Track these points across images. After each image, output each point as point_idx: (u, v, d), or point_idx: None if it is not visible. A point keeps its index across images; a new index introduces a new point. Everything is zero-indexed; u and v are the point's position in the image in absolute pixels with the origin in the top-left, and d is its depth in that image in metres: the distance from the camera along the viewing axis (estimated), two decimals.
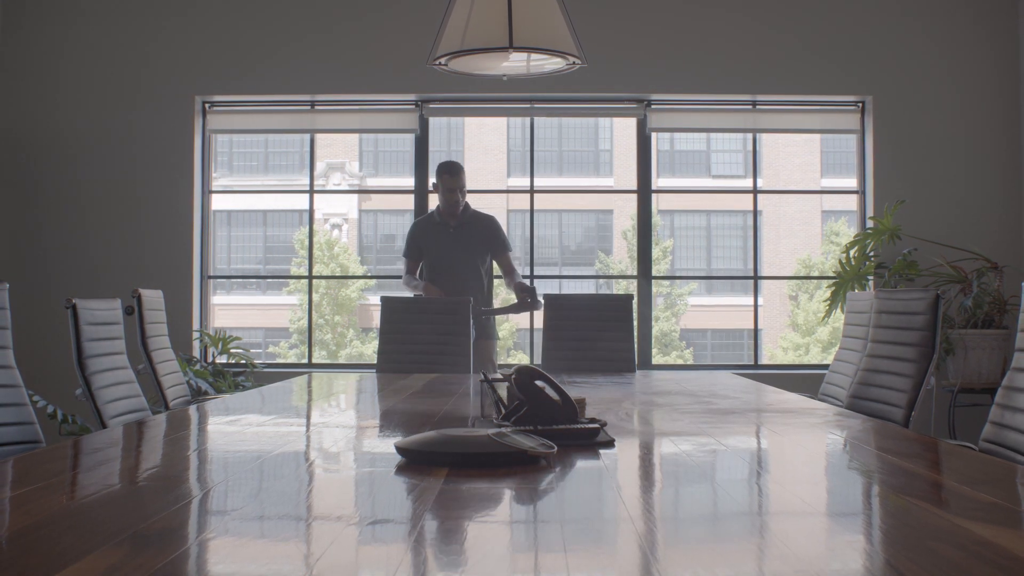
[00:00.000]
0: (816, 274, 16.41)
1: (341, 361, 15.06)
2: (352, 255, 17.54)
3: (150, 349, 3.64)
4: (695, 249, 17.95)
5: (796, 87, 5.84)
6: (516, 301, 4.80)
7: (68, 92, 5.88)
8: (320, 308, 16.80)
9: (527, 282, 5.12)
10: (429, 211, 5.19)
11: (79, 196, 5.84)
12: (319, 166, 17.00)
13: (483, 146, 17.14)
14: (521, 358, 14.50)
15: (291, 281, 16.80)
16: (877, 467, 1.96)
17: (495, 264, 5.07)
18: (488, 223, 5.04)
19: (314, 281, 7.57)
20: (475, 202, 5.13)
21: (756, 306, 6.91)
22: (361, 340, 16.88)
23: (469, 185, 5.05)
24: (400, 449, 1.88)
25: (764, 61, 5.81)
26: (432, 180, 5.06)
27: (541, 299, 4.84)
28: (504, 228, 5.17)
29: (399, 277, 5.43)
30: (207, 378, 5.21)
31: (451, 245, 4.97)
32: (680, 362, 15.88)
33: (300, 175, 17.28)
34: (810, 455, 2.25)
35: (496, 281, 5.30)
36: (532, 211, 6.49)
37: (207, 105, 5.98)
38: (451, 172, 4.93)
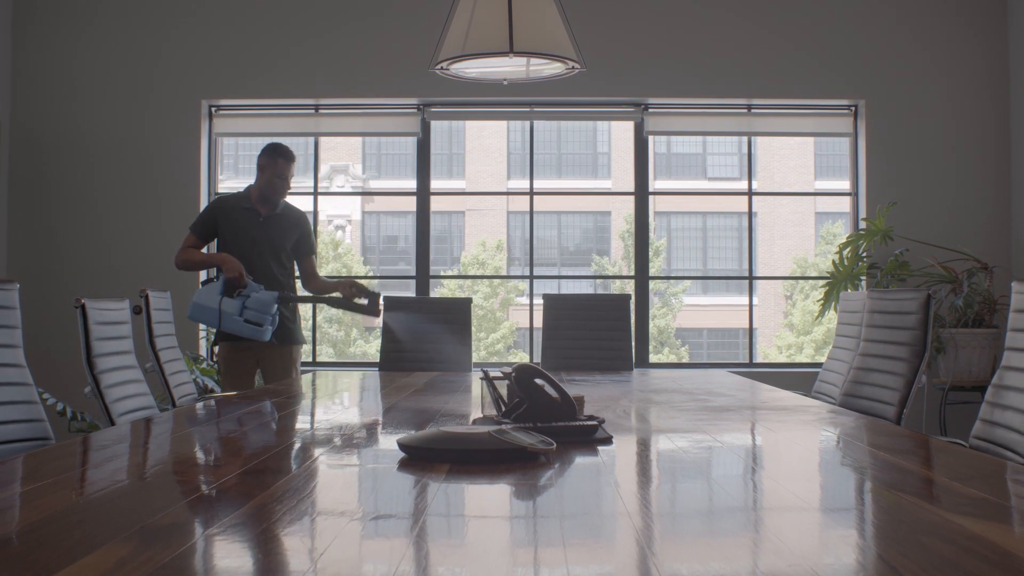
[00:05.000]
0: (811, 274, 16.43)
1: (346, 359, 15.05)
2: (356, 256, 17.54)
3: (158, 348, 3.66)
4: (691, 250, 17.96)
5: (790, 91, 5.88)
6: (366, 302, 4.10)
7: (78, 96, 5.90)
8: (324, 307, 16.75)
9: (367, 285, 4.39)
10: (240, 191, 4.43)
11: (88, 197, 5.87)
12: (323, 168, 16.96)
13: (483, 149, 17.12)
14: (521, 357, 14.51)
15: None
16: (870, 463, 1.98)
17: (296, 266, 4.43)
18: (302, 219, 4.41)
19: None
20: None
21: (751, 306, 6.96)
22: (365, 339, 16.89)
23: (471, 187, 4.97)
24: (403, 446, 1.90)
25: (759, 66, 5.84)
26: (265, 159, 4.28)
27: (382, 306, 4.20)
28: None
29: (401, 277, 5.39)
30: (213, 376, 5.24)
31: (256, 235, 4.25)
32: (675, 359, 15.91)
33: (304, 177, 17.22)
34: (804, 452, 2.26)
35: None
36: (531, 213, 6.53)
37: (213, 108, 6.01)
38: (287, 157, 4.26)
